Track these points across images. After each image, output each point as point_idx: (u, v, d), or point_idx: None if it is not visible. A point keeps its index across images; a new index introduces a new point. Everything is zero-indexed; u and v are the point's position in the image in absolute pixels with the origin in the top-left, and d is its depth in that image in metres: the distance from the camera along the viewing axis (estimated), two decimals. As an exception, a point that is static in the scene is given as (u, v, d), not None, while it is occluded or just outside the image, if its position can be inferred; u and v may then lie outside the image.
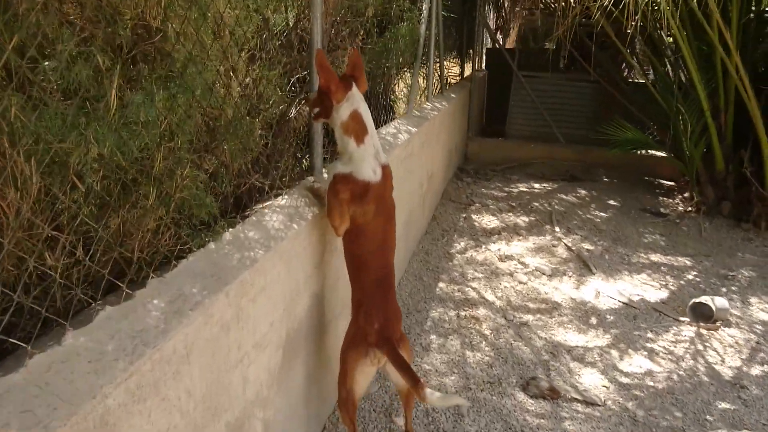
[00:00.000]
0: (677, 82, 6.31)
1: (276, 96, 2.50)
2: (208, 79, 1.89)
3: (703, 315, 4.30)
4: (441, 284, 4.62)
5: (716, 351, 3.94)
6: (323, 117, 2.43)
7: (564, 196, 7.06)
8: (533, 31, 13.20)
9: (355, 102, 2.34)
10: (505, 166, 8.57)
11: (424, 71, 5.95)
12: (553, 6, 10.10)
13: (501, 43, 10.65)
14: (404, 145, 4.23)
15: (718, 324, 4.26)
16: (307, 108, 2.63)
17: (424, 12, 5.37)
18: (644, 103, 7.89)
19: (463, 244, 5.44)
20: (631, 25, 5.11)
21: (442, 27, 6.58)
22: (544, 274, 4.94)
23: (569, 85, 8.84)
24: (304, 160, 2.99)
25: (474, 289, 4.55)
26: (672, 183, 8.16)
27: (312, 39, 2.62)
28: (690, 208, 6.71)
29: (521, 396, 3.33)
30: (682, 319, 4.33)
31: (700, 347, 4.02)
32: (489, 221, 6.09)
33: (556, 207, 6.60)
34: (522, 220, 6.17)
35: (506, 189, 7.29)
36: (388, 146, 3.88)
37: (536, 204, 6.67)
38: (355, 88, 2.37)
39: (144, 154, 1.65)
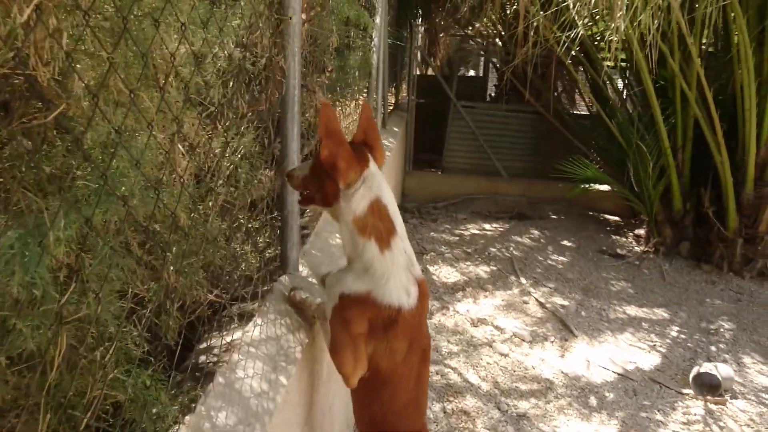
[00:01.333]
0: (636, 117, 5.98)
1: (245, 171, 1.68)
2: (147, 169, 1.06)
3: (708, 385, 3.82)
4: (413, 363, 3.87)
5: (736, 434, 3.44)
6: (319, 203, 1.65)
7: (519, 239, 6.54)
8: (450, 58, 12.94)
9: (375, 186, 1.59)
10: (448, 203, 7.99)
11: (374, 104, 5.24)
12: (490, 31, 9.78)
13: (434, 70, 10.17)
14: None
15: (725, 397, 3.79)
16: (287, 180, 1.77)
17: (375, 40, 4.67)
18: (587, 136, 7.61)
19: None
20: (601, 56, 4.65)
21: (387, 56, 5.93)
22: (524, 340, 4.31)
23: (509, 116, 8.43)
24: (268, 249, 2.15)
25: (454, 369, 3.83)
26: (617, 218, 7.91)
27: (288, 79, 1.82)
28: (648, 249, 6.39)
29: None
30: (685, 392, 3.83)
31: (716, 430, 3.51)
32: (448, 274, 5.42)
33: (514, 252, 6.05)
34: (483, 270, 5.55)
35: (457, 232, 6.67)
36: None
37: (493, 250, 6.09)
38: (372, 164, 1.62)
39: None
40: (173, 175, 1.34)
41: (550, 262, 5.95)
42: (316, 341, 1.80)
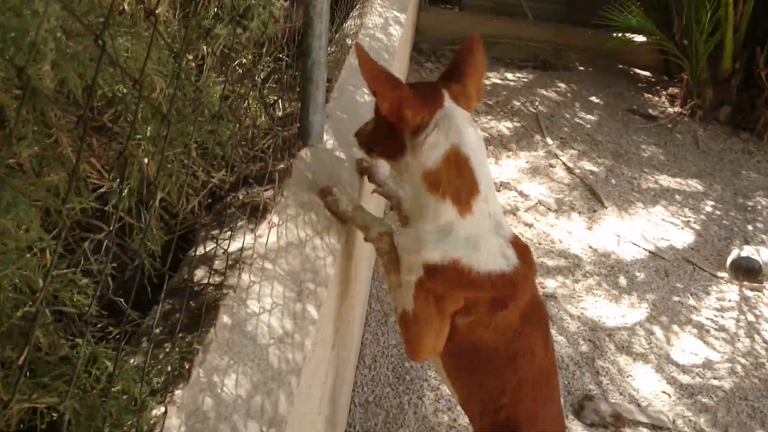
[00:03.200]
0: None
1: None
2: None
3: (747, 270, 3.54)
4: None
5: (775, 325, 3.22)
6: (386, 156, 1.39)
7: (544, 92, 5.93)
8: None
9: (453, 131, 1.27)
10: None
11: None
12: None
13: None
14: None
15: (764, 283, 3.53)
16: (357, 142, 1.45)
17: None
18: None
19: None
20: None
21: None
22: (550, 209, 3.94)
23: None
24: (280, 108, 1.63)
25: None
26: (649, 74, 7.23)
27: None
28: (684, 111, 5.83)
29: (577, 426, 2.44)
30: (720, 275, 3.56)
31: (752, 318, 3.29)
32: (468, 129, 4.91)
33: (540, 108, 5.49)
34: (506, 126, 5.04)
35: (477, 80, 6.04)
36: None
37: (517, 103, 5.51)
38: (449, 101, 1.29)
39: None
40: None
41: (577, 120, 5.43)
42: (349, 248, 1.37)
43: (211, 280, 0.99)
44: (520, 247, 1.34)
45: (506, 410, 1.37)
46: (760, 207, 4.40)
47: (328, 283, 1.12)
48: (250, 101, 1.60)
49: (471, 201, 1.27)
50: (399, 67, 2.61)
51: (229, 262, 1.02)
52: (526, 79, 6.24)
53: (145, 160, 0.91)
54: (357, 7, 3.09)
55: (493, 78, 6.14)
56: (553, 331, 2.91)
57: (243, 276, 1.00)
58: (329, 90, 1.90)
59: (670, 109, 6.08)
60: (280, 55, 1.63)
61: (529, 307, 1.36)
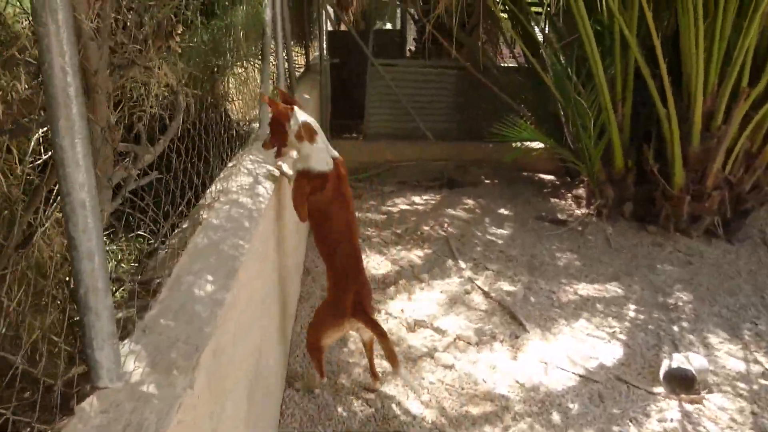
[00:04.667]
0: (572, 69, 5.34)
1: None
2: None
3: (681, 381, 3.32)
4: (341, 394, 3.15)
5: (723, 444, 2.96)
6: (282, 144, 2.90)
7: (452, 211, 5.89)
8: (364, 10, 11.88)
9: (301, 117, 2.84)
10: (372, 173, 7.23)
11: (274, 69, 4.33)
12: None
13: (347, 25, 9.18)
14: (270, 205, 2.66)
15: (702, 393, 3.31)
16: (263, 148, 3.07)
17: (267, -11, 3.74)
18: (517, 90, 6.98)
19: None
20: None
21: (287, 10, 5.00)
22: (470, 343, 3.67)
23: (432, 73, 7.67)
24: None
25: (391, 397, 3.13)
26: (552, 178, 7.43)
27: (48, 56, 0.98)
28: (590, 212, 5.89)
29: None
30: (656, 390, 3.32)
31: (697, 436, 3.03)
32: (378, 264, 4.69)
33: (449, 230, 5.40)
34: (416, 255, 4.87)
35: (384, 209, 5.94)
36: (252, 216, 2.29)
37: (426, 228, 5.41)
38: (296, 108, 2.86)
39: None
40: None
41: (489, 237, 5.34)
42: None
43: None
44: (338, 161, 2.85)
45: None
46: (681, 303, 4.30)
47: None
48: None
49: (313, 138, 2.78)
50: (264, 230, 2.36)
51: None
52: (433, 201, 6.21)
53: None
54: (225, 169, 2.89)
55: (401, 204, 6.09)
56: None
57: None
58: (156, 292, 1.61)
59: (577, 211, 6.15)
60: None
61: (339, 193, 2.79)
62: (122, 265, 1.98)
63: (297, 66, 7.33)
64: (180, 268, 1.73)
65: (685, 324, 4.04)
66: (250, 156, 3.12)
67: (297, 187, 2.80)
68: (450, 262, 4.76)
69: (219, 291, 1.68)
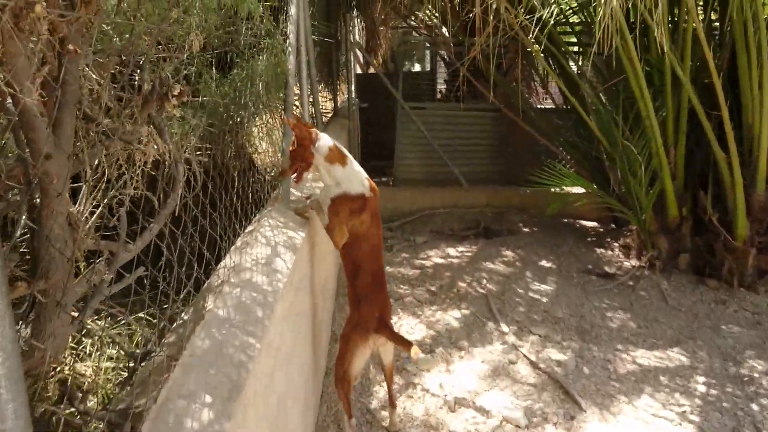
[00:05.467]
0: (621, 112, 4.95)
1: None
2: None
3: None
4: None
5: None
6: (305, 167, 2.82)
7: (491, 265, 5.47)
8: (393, 53, 11.70)
9: (327, 140, 2.82)
10: (403, 221, 6.88)
11: (299, 115, 4.04)
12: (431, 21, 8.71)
13: (375, 68, 8.99)
14: (291, 274, 2.31)
15: (800, 495, 2.79)
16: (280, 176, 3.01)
17: (291, 37, 3.47)
18: (555, 133, 6.60)
19: (386, 384, 3.55)
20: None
21: (313, 55, 4.75)
22: (519, 426, 3.22)
23: (465, 116, 7.36)
24: None
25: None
26: (595, 224, 6.96)
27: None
28: (642, 264, 5.41)
29: None
30: (743, 489, 2.82)
31: None
32: (412, 327, 4.29)
33: (488, 286, 4.97)
34: (453, 317, 4.45)
35: (417, 262, 5.55)
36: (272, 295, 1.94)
37: (462, 285, 4.99)
38: (317, 131, 2.82)
39: None
40: None
41: (531, 294, 4.90)
42: None
43: None
44: (372, 184, 2.84)
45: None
46: (756, 375, 3.78)
47: None
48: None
49: (345, 161, 2.77)
50: (281, 315, 2.00)
51: None
52: (469, 253, 5.80)
53: None
54: (240, 237, 2.56)
55: (435, 257, 5.69)
56: None
57: None
58: (140, 422, 1.25)
59: (626, 263, 5.67)
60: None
61: (374, 214, 2.82)
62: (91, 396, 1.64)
63: (324, 111, 7.10)
64: (170, 389, 1.37)
65: (764, 401, 3.52)
66: (270, 220, 2.79)
67: (335, 213, 2.72)
68: (491, 324, 4.33)
69: (217, 420, 1.31)
